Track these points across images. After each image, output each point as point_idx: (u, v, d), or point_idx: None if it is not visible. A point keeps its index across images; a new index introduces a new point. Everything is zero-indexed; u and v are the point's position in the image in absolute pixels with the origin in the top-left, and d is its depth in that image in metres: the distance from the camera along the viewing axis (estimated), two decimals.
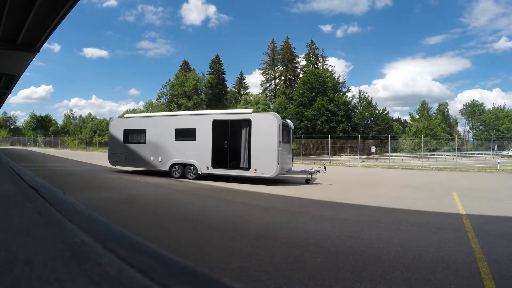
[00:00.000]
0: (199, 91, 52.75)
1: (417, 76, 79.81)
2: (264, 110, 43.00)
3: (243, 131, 11.00)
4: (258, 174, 10.70)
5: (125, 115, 14.94)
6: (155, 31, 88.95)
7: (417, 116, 48.38)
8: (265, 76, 55.82)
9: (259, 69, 56.47)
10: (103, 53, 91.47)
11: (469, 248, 4.18)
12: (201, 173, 11.48)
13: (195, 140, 11.57)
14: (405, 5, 78.93)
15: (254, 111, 11.73)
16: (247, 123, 10.91)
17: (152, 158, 12.47)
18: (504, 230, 5.34)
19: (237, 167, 11.07)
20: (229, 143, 11.16)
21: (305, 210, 6.78)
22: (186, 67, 56.46)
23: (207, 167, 11.33)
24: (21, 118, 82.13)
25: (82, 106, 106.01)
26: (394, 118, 60.46)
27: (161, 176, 12.24)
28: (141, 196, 8.03)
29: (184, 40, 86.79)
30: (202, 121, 11.64)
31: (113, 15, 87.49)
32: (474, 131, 47.30)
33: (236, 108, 46.06)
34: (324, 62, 52.72)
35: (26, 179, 1.22)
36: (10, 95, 26.40)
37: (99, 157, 27.68)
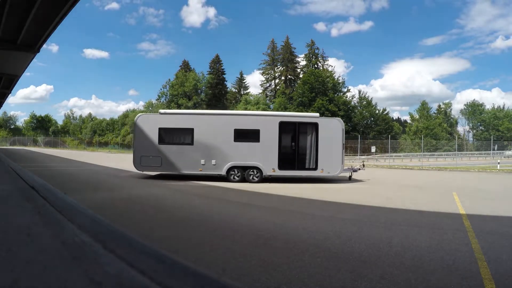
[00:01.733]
0: (199, 91, 52.74)
1: (416, 76, 79.93)
2: (264, 110, 43.08)
3: (310, 134, 11.64)
4: (325, 173, 11.58)
5: (161, 111, 12.34)
6: (156, 33, 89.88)
7: (417, 116, 48.37)
8: (265, 76, 55.83)
9: (259, 69, 56.50)
10: (104, 54, 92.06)
11: (469, 248, 4.18)
12: (266, 175, 11.38)
13: (259, 141, 11.37)
14: (401, 7, 79.68)
15: (320, 116, 12.87)
16: (314, 126, 11.62)
17: (203, 162, 11.24)
18: (504, 230, 5.34)
19: (303, 168, 11.57)
20: (297, 145, 11.64)
21: (305, 210, 6.78)
22: (186, 67, 56.42)
23: (273, 169, 11.36)
24: (20, 118, 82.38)
25: (81, 106, 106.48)
26: (394, 118, 60.51)
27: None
28: (141, 197, 8.03)
29: (184, 42, 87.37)
30: (267, 122, 11.65)
31: (115, 17, 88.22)
32: (474, 131, 47.29)
33: (236, 108, 46.16)
34: (324, 62, 52.78)
35: (26, 179, 1.22)
36: (10, 95, 26.44)
37: (100, 157, 27.68)
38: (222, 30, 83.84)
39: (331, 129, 11.70)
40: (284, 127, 11.57)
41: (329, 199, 8.19)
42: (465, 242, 4.43)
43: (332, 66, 52.50)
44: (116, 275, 0.39)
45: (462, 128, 50.48)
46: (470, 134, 48.55)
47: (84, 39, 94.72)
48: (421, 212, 6.60)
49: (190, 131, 11.37)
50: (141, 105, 65.59)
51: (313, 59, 52.33)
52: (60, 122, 72.01)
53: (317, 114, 13.10)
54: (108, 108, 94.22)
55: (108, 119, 62.89)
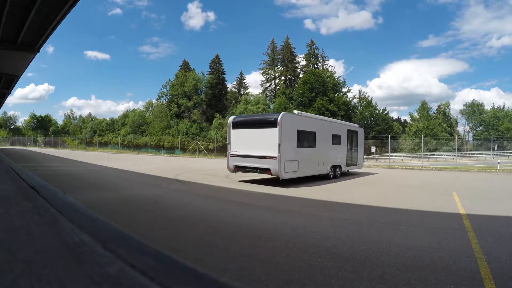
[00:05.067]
0: (199, 91, 52.76)
1: (413, 77, 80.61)
2: (264, 110, 43.11)
3: (355, 139, 15.44)
4: (358, 168, 16.34)
5: (296, 112, 11.84)
6: (157, 36, 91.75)
7: (417, 116, 48.39)
8: (265, 76, 55.82)
9: (259, 69, 56.52)
10: (105, 56, 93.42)
11: (469, 248, 4.18)
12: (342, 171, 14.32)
13: (340, 144, 13.97)
14: (394, 10, 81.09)
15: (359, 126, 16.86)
16: (356, 133, 15.66)
17: (318, 163, 12.25)
18: (504, 230, 5.34)
19: (353, 164, 15.43)
20: (352, 147, 15.12)
21: (305, 210, 6.78)
22: (186, 67, 56.43)
23: (344, 166, 14.41)
24: (17, 118, 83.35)
25: (79, 106, 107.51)
26: (394, 118, 60.60)
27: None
28: (141, 196, 8.03)
29: (184, 43, 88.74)
30: (343, 128, 14.45)
31: (117, 22, 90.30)
32: (474, 131, 47.30)
33: (237, 108, 46.32)
34: (324, 62, 52.78)
35: (26, 179, 1.22)
36: (9, 95, 26.43)
37: (100, 157, 27.69)
38: (222, 32, 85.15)
39: (361, 135, 16.14)
40: (348, 133, 14.60)
41: (329, 199, 8.19)
42: (465, 242, 4.44)
43: (332, 66, 52.68)
44: (116, 275, 0.39)
45: (462, 128, 50.52)
46: (470, 134, 48.58)
47: (86, 42, 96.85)
48: (421, 212, 6.60)
49: (314, 134, 12.00)
50: (141, 105, 65.76)
51: (313, 59, 52.33)
52: (60, 122, 72.11)
53: (357, 125, 16.86)
54: (106, 108, 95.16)
55: (108, 119, 62.96)
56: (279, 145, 10.10)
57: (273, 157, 10.14)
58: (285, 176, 10.34)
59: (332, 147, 13.21)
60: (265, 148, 10.39)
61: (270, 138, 10.24)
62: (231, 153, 11.59)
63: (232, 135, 11.66)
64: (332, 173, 13.29)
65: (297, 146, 10.95)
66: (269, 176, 10.68)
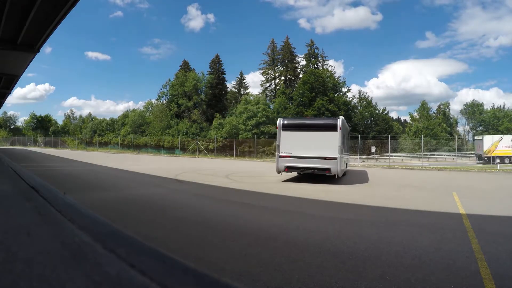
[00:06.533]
0: (199, 91, 52.72)
1: (412, 77, 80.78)
2: (264, 110, 43.12)
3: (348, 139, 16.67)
4: (348, 166, 17.13)
5: (341, 117, 12.62)
6: (158, 38, 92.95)
7: (417, 116, 48.35)
8: (265, 76, 55.77)
9: (259, 69, 56.44)
10: (106, 56, 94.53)
11: (469, 248, 4.18)
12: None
13: (344, 144, 14.35)
14: (392, 12, 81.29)
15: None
16: (349, 135, 16.97)
17: (344, 161, 13.27)
18: (504, 230, 5.34)
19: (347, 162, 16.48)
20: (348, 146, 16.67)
21: (305, 210, 6.78)
22: (186, 67, 56.39)
23: (347, 164, 15.74)
24: (16, 118, 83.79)
25: (79, 106, 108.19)
26: (394, 118, 60.65)
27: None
28: (141, 196, 8.03)
29: (184, 43, 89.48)
30: (347, 131, 15.52)
31: (118, 23, 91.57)
32: (474, 131, 47.26)
33: (237, 107, 46.38)
34: (324, 62, 52.75)
35: (26, 179, 1.22)
36: (9, 95, 26.41)
37: (100, 157, 27.68)
38: (222, 33, 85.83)
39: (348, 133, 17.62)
40: (347, 135, 15.75)
41: (329, 199, 8.19)
42: (465, 242, 4.43)
43: (332, 66, 52.61)
44: (116, 275, 0.39)
45: (462, 128, 50.50)
46: (470, 134, 48.55)
47: (87, 43, 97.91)
48: (421, 212, 6.60)
49: (344, 137, 12.76)
50: (140, 105, 65.82)
51: (313, 59, 52.30)
52: (60, 122, 72.11)
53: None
54: (105, 108, 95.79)
55: (108, 119, 62.93)
56: (340, 147, 11.07)
57: (334, 158, 10.94)
58: (340, 174, 11.51)
59: (345, 143, 14.31)
60: (325, 150, 11.03)
61: (329, 140, 11.09)
62: (282, 154, 11.67)
63: (282, 136, 11.80)
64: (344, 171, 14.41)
65: (342, 146, 11.99)
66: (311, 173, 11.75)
